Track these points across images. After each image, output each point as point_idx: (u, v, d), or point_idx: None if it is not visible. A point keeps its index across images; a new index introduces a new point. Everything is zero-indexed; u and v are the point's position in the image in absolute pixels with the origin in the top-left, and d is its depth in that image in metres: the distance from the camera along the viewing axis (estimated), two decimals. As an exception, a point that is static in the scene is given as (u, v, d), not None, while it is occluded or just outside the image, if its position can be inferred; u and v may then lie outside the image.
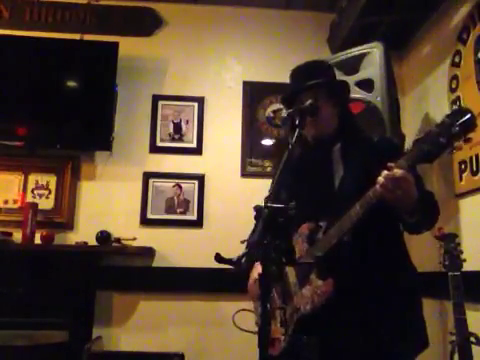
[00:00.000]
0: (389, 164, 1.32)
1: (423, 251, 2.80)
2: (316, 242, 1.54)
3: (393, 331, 1.46)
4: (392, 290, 1.49)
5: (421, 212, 1.39)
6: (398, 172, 1.29)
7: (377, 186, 1.33)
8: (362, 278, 1.47)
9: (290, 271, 1.62)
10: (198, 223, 3.11)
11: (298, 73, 1.71)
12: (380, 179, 1.32)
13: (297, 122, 1.50)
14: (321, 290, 1.47)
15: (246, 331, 1.58)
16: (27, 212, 2.87)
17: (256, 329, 1.42)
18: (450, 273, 1.97)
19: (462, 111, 1.23)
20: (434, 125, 1.25)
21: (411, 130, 3.09)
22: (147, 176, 3.15)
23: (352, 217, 1.42)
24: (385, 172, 1.31)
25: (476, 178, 2.31)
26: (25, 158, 3.09)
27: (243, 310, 1.62)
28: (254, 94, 3.32)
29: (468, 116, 1.20)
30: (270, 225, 1.27)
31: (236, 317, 1.60)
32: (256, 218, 1.34)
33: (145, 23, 3.36)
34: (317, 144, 1.68)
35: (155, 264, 3.05)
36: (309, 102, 1.54)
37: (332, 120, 1.66)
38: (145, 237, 3.00)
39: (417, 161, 1.30)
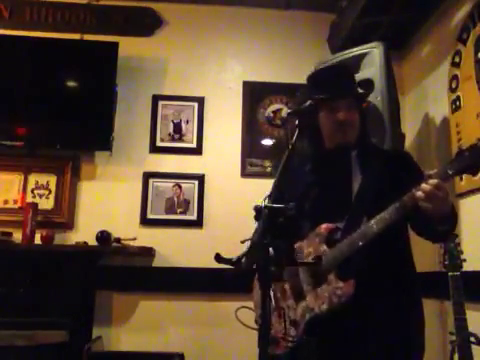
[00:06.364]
0: (428, 172, 1.33)
1: (423, 251, 2.80)
2: (336, 243, 1.52)
3: (399, 335, 1.46)
4: (400, 293, 1.50)
5: (452, 219, 1.43)
6: (442, 184, 1.30)
7: (419, 193, 1.32)
8: (374, 280, 1.47)
9: (303, 269, 1.59)
10: (198, 223, 3.11)
11: (326, 78, 1.68)
12: (425, 186, 1.30)
13: (297, 122, 1.50)
14: (342, 291, 1.44)
15: (249, 327, 1.57)
16: (27, 212, 2.87)
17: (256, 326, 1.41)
18: (450, 273, 1.97)
19: None
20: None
21: (411, 130, 3.09)
22: (147, 176, 3.15)
23: (385, 220, 1.41)
24: (427, 184, 1.31)
25: (476, 178, 2.31)
26: (25, 158, 3.09)
27: (243, 307, 1.61)
28: (254, 94, 3.32)
29: None
30: (270, 225, 1.27)
31: (238, 313, 1.59)
32: (256, 218, 1.34)
33: (145, 23, 3.36)
34: (336, 149, 1.66)
35: (155, 264, 3.05)
36: (309, 102, 1.54)
37: (358, 128, 1.66)
38: (145, 237, 3.00)
39: (462, 171, 1.31)
